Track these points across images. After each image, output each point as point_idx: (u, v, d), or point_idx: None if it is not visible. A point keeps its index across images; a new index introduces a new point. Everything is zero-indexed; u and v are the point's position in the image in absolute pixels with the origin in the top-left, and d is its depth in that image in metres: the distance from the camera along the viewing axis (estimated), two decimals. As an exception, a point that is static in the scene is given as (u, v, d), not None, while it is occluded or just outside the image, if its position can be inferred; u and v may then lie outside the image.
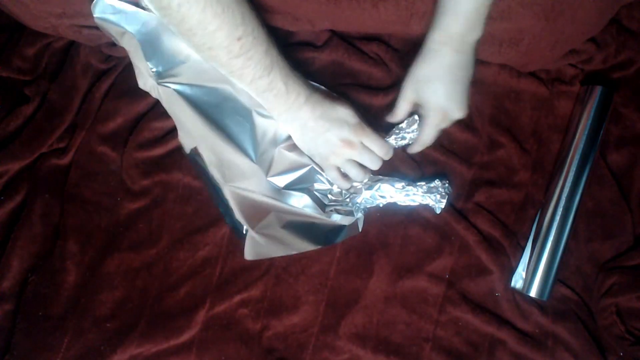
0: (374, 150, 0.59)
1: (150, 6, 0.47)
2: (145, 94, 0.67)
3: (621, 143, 0.67)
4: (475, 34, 0.54)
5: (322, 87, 0.60)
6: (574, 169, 0.63)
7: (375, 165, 0.59)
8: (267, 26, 0.58)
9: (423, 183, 0.62)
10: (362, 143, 0.58)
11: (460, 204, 0.65)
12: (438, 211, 0.62)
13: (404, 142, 0.63)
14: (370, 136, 0.58)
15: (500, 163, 0.66)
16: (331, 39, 0.68)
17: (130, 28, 0.56)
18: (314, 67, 0.67)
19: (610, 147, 0.67)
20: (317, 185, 0.63)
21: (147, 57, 0.56)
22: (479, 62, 0.67)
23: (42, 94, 0.68)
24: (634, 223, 0.64)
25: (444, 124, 0.59)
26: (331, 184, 0.63)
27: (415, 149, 0.62)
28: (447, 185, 0.62)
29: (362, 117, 0.58)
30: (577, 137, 0.64)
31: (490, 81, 0.68)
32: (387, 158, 0.60)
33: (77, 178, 0.66)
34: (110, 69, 0.69)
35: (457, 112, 0.57)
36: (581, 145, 0.63)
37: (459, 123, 0.66)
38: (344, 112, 0.57)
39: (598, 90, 0.64)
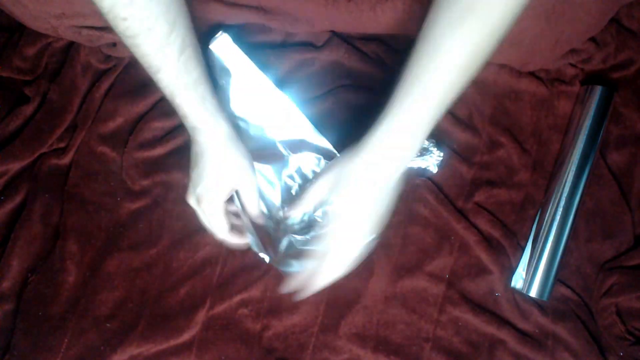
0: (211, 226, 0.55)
1: None
2: (145, 94, 0.68)
3: (621, 143, 0.67)
4: (408, 158, 0.48)
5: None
6: (574, 169, 0.63)
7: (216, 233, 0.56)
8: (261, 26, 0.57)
9: None
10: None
11: (460, 203, 0.65)
12: (435, 170, 0.63)
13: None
14: (215, 220, 0.54)
15: (501, 163, 0.66)
16: (331, 39, 0.68)
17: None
18: (314, 67, 0.67)
19: (610, 147, 0.67)
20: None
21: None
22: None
23: (42, 94, 0.68)
24: (634, 223, 0.64)
25: (348, 237, 0.50)
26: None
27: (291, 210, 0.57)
28: (433, 144, 0.63)
29: (224, 199, 0.53)
30: (577, 137, 0.64)
31: (490, 81, 0.68)
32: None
33: (77, 178, 0.66)
34: (110, 69, 0.69)
35: (364, 229, 0.49)
36: (581, 145, 0.63)
37: (459, 123, 0.66)
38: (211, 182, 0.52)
39: (598, 90, 0.64)
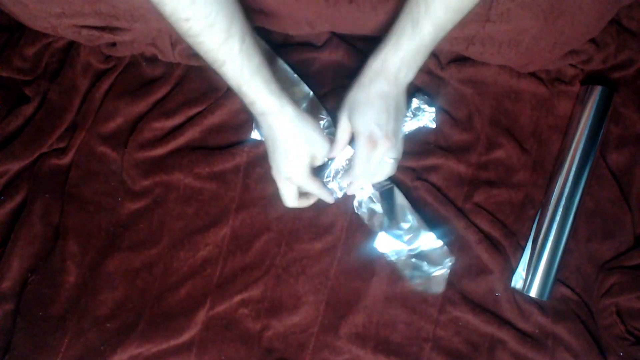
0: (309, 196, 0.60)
1: None
2: (145, 94, 0.68)
3: (621, 143, 0.67)
4: (409, 75, 0.54)
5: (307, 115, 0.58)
6: (574, 169, 0.63)
7: (300, 205, 0.61)
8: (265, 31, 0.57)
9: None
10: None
11: (459, 204, 0.65)
12: (433, 125, 0.65)
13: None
14: (309, 188, 0.58)
15: (500, 163, 0.66)
16: (331, 39, 0.68)
17: None
18: (314, 67, 0.67)
19: (610, 147, 0.67)
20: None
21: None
22: (479, 62, 0.67)
23: (42, 94, 0.68)
24: (634, 223, 0.64)
25: (374, 156, 0.56)
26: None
27: (350, 187, 0.61)
28: (423, 101, 0.65)
29: (309, 168, 0.57)
30: (577, 137, 0.64)
31: (490, 81, 0.68)
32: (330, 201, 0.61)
33: (77, 178, 0.66)
34: (110, 69, 0.69)
35: (384, 140, 0.54)
36: (581, 145, 0.63)
37: (457, 124, 0.66)
38: (296, 153, 0.56)
39: (598, 90, 0.64)
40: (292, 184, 0.58)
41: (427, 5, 0.49)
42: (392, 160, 0.58)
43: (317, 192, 0.59)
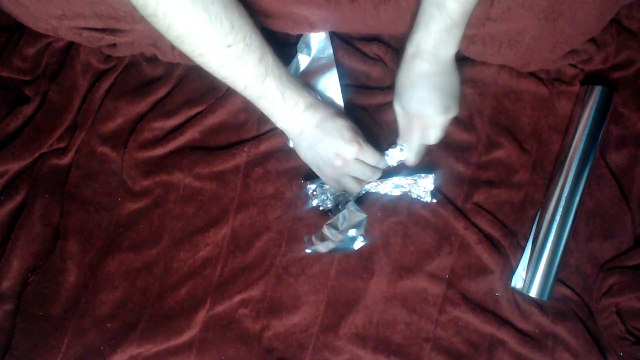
0: (368, 162, 0.60)
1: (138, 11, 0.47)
2: (145, 94, 0.68)
3: (621, 143, 0.67)
4: (449, 51, 0.53)
5: (325, 97, 0.61)
6: (574, 169, 0.63)
7: (369, 178, 0.61)
8: (266, 31, 0.57)
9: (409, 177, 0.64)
10: (355, 158, 0.58)
11: (459, 203, 0.65)
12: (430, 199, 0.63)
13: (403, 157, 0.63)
14: (365, 152, 0.58)
15: (500, 163, 0.66)
16: (331, 39, 0.68)
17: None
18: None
19: (610, 147, 0.67)
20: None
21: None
22: (479, 62, 0.67)
23: (42, 94, 0.68)
24: (634, 223, 0.64)
25: (427, 131, 0.58)
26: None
27: (409, 159, 0.63)
28: (432, 177, 0.63)
29: (358, 133, 0.58)
30: (577, 137, 0.64)
31: (490, 81, 0.68)
32: (381, 167, 0.62)
33: (77, 178, 0.66)
34: (110, 69, 0.69)
35: (435, 116, 0.56)
36: (581, 145, 0.63)
37: (458, 123, 0.66)
38: (341, 125, 0.57)
39: (598, 90, 0.64)
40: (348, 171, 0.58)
41: None
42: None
43: (369, 150, 0.59)
